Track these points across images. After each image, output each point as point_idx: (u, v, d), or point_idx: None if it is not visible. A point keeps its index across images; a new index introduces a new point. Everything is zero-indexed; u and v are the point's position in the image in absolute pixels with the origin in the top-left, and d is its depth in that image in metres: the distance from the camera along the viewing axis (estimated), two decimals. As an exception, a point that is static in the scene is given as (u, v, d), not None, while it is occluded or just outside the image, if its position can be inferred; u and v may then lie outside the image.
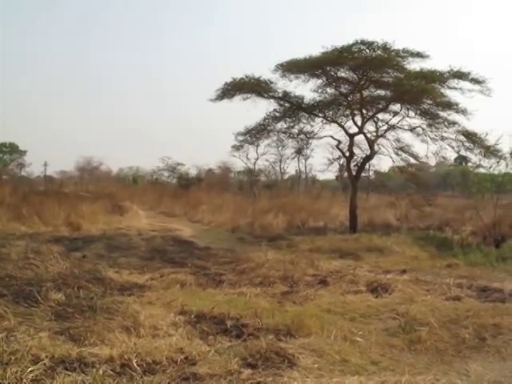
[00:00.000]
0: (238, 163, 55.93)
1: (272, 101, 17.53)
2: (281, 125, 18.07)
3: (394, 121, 17.43)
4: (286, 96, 17.40)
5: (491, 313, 6.00)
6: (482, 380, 4.22)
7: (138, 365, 4.04)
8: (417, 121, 17.13)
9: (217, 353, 4.49)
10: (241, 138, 18.46)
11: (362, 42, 15.69)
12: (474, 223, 15.29)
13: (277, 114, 17.70)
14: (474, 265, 10.23)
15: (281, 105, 17.79)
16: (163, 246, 12.59)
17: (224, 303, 6.37)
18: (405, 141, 17.96)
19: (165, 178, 46.86)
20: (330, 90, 17.65)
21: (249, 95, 17.20)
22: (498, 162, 14.35)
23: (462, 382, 4.16)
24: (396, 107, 17.23)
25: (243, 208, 21.60)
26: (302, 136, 18.65)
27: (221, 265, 9.83)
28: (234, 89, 17.15)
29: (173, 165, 45.08)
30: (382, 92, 17.42)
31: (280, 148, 26.50)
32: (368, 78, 16.70)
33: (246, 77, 16.87)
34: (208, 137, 74.27)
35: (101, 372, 3.80)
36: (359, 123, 17.24)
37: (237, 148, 19.27)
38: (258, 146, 24.36)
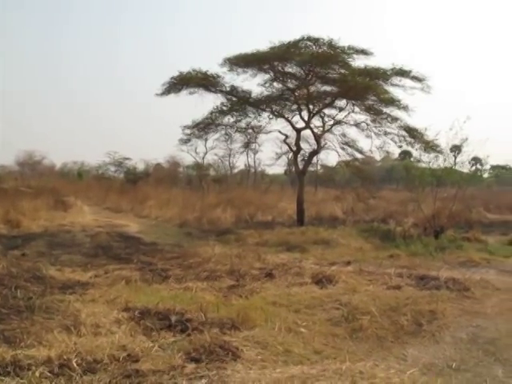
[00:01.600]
0: (187, 158, 55.40)
1: (219, 95, 17.54)
2: (228, 119, 18.15)
3: (340, 116, 17.89)
4: (233, 90, 17.41)
5: (428, 300, 6.29)
6: (418, 363, 4.41)
7: (77, 364, 3.91)
8: (362, 116, 17.67)
9: (160, 348, 4.43)
10: (188, 131, 18.31)
11: (309, 38, 15.96)
12: (415, 215, 15.85)
13: (224, 108, 17.69)
14: (415, 255, 10.67)
15: (228, 99, 17.78)
16: (108, 242, 12.26)
17: (169, 298, 6.28)
18: (350, 136, 18.49)
19: (111, 172, 45.51)
20: (277, 85, 17.84)
21: (196, 89, 17.13)
22: (436, 157, 14.99)
23: (400, 366, 4.32)
24: (342, 103, 17.67)
25: (191, 203, 21.47)
26: (249, 130, 18.81)
27: (167, 260, 9.71)
28: (181, 83, 17.01)
29: (120, 159, 43.87)
30: (328, 88, 17.75)
31: (229, 142, 26.46)
32: (314, 74, 16.99)
33: (193, 71, 16.75)
34: (157, 131, 72.79)
35: (37, 374, 3.66)
36: (306, 118, 17.56)
37: (184, 142, 19.07)
38: (206, 140, 24.23)
